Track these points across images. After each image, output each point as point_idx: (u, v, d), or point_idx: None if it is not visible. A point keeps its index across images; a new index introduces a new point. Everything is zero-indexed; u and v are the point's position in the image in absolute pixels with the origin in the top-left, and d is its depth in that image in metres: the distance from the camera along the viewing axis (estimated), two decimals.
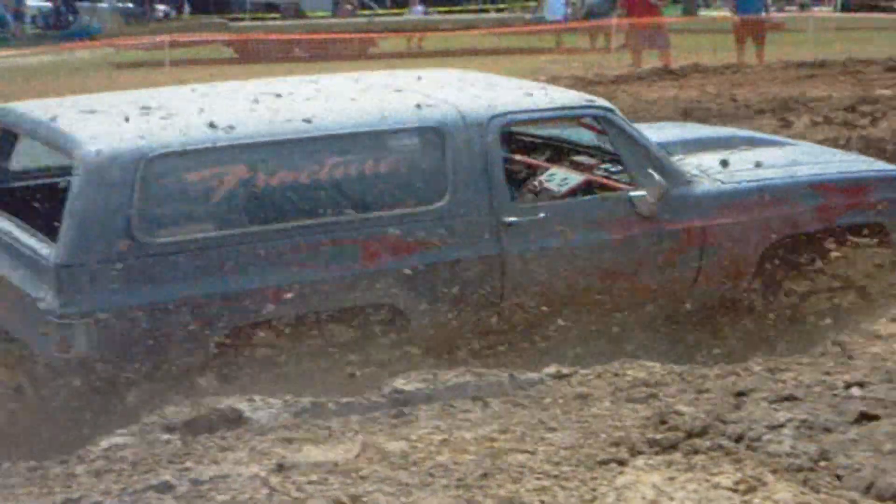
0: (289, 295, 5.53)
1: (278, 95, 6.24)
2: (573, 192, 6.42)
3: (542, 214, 6.09)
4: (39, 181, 6.61)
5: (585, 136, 7.09)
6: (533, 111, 6.48)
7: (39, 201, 6.27)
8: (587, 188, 6.49)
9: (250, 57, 22.17)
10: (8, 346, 5.79)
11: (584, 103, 6.64)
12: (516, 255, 5.99)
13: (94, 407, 5.18)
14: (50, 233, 5.51)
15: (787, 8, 37.47)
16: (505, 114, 6.19)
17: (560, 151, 7.08)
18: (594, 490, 3.69)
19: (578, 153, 7.03)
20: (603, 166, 6.76)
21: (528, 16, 28.99)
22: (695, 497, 3.59)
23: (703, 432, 4.07)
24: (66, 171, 6.01)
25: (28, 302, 5.38)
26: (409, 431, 4.29)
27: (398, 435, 4.25)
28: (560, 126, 7.11)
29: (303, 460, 4.01)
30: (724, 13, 25.27)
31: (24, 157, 6.63)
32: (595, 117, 6.57)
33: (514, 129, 6.71)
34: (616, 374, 5.00)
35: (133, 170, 5.33)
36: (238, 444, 4.23)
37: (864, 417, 4.20)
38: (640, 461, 3.90)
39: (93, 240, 5.31)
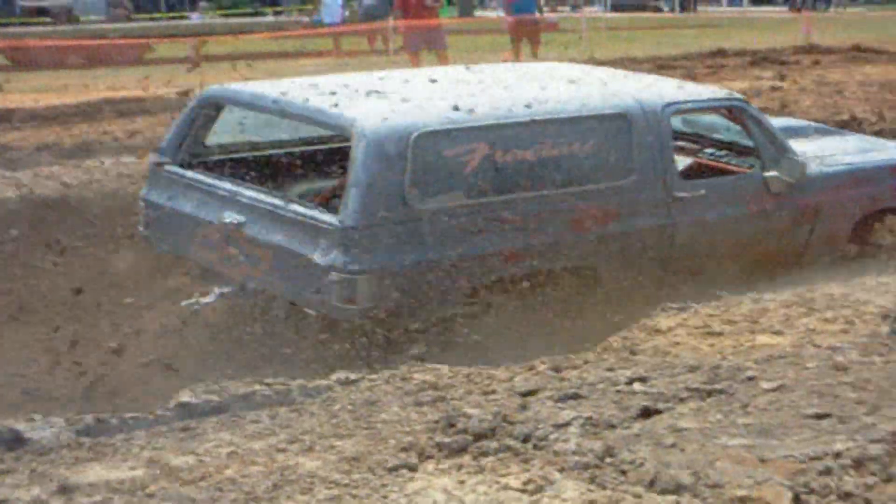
0: (519, 257, 6.47)
1: (477, 82, 7.36)
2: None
3: (702, 191, 7.16)
4: (260, 153, 7.67)
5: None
6: (691, 101, 7.53)
7: (267, 169, 7.38)
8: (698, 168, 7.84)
9: (24, 63, 21.32)
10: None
11: (725, 95, 7.81)
12: (683, 223, 7.04)
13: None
14: (304, 198, 6.71)
15: (560, 8, 38.59)
16: (672, 103, 7.24)
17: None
18: (385, 497, 3.67)
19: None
20: (708, 150, 8.11)
21: (305, 19, 28.86)
22: (485, 499, 3.61)
23: (490, 434, 4.10)
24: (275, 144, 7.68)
25: (302, 261, 6.22)
26: (196, 445, 4.19)
27: (185, 449, 4.15)
28: None
29: (86, 480, 3.87)
30: (500, 14, 25.76)
31: None
32: (734, 108, 7.59)
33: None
34: (404, 379, 5.01)
35: (405, 145, 6.19)
36: (18, 467, 4.06)
37: (647, 412, 4.31)
38: (430, 466, 3.91)
39: (373, 206, 6.13)
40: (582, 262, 6.75)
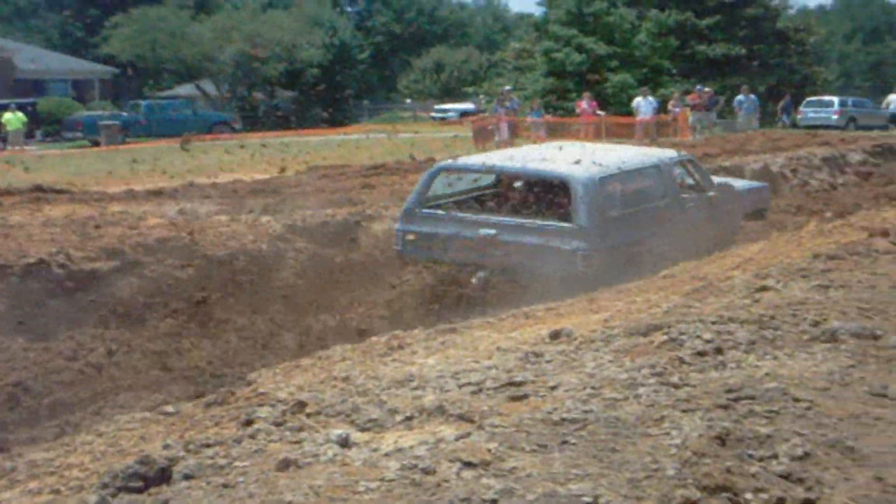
0: (639, 243, 11.78)
1: (602, 150, 13.58)
2: None
3: (693, 204, 13.06)
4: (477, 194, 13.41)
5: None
6: (681, 158, 13.65)
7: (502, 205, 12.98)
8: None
9: None
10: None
11: (685, 154, 14.31)
12: (688, 216, 12.78)
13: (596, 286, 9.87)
14: (545, 217, 11.98)
15: None
16: (673, 157, 13.44)
17: None
18: None
19: None
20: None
21: None
22: None
23: None
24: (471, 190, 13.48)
25: (552, 249, 11.34)
26: None
27: None
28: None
29: None
30: None
31: None
32: (689, 161, 13.79)
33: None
34: None
35: (599, 183, 11.66)
36: None
37: None
38: None
39: (592, 216, 11.44)
40: (658, 244, 11.80)
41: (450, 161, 14.05)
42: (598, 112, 36.76)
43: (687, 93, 38.24)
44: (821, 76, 59.36)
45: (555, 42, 49.84)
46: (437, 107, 62.82)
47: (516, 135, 32.89)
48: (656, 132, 33.72)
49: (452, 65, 74.38)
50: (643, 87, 38.30)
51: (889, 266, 7.78)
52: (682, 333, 5.80)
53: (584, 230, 11.31)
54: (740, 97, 37.80)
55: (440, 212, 12.43)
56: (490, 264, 11.77)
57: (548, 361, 5.70)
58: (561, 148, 13.57)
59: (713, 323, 6.04)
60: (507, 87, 39.25)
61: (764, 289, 7.21)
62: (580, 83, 46.24)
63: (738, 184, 15.55)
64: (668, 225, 12.29)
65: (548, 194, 12.49)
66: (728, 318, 6.17)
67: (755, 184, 16.83)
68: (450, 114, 57.73)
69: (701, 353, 5.45)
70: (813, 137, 30.32)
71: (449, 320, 9.30)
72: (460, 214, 12.33)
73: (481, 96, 53.57)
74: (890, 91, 42.79)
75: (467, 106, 57.11)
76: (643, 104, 34.95)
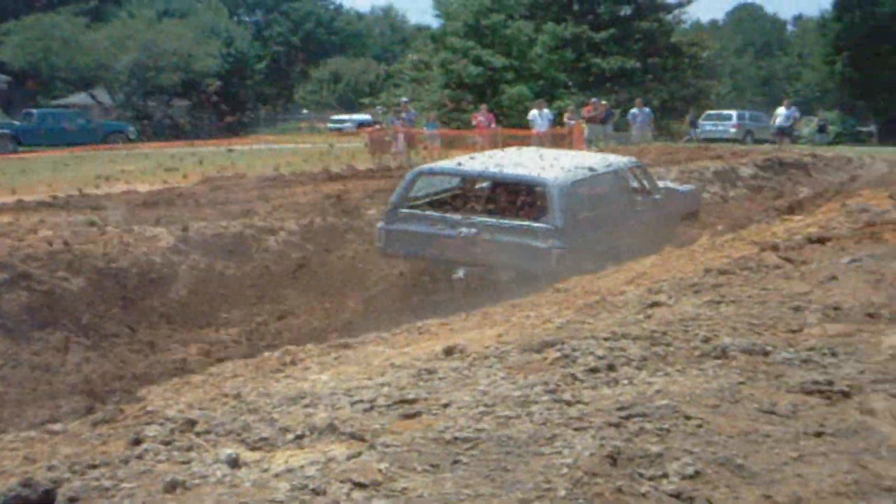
0: (606, 239, 12.97)
1: (554, 157, 14.70)
2: None
3: (643, 206, 14.59)
4: (454, 194, 14.61)
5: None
6: (632, 164, 15.44)
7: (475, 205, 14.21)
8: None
9: None
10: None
11: (637, 161, 16.31)
12: (642, 216, 14.30)
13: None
14: (514, 218, 13.22)
15: None
16: (628, 163, 15.26)
17: None
18: None
19: None
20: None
21: None
22: None
23: None
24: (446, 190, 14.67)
25: (528, 247, 12.45)
26: None
27: None
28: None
29: None
30: None
31: None
32: (638, 167, 15.50)
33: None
34: None
35: (570, 187, 12.92)
36: None
37: None
38: None
39: (564, 217, 12.61)
40: (617, 241, 12.85)
41: (429, 165, 16.00)
42: (493, 124, 36.85)
43: (582, 105, 38.57)
44: (714, 90, 60.65)
45: (452, 54, 49.99)
46: (333, 117, 62.62)
47: (413, 146, 32.86)
48: (552, 145, 33.92)
49: (350, 75, 74.31)
50: (538, 100, 38.39)
51: (778, 281, 7.90)
52: (574, 350, 5.79)
53: (558, 230, 12.49)
54: (634, 110, 38.26)
55: (421, 212, 13.40)
56: (470, 261, 12.79)
57: (441, 378, 5.65)
58: (533, 154, 15.02)
59: (605, 339, 6.04)
60: (405, 99, 39.19)
61: (656, 304, 7.26)
62: (477, 95, 46.45)
63: (679, 187, 17.54)
64: (625, 224, 13.60)
65: (524, 197, 13.65)
66: (621, 334, 6.18)
67: (690, 187, 19.03)
68: (347, 124, 57.60)
69: (593, 370, 5.45)
70: (706, 151, 30.88)
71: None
72: (441, 214, 13.30)
73: (378, 107, 53.47)
74: (780, 104, 43.47)
75: (364, 117, 57.02)
76: (538, 117, 35.14)
